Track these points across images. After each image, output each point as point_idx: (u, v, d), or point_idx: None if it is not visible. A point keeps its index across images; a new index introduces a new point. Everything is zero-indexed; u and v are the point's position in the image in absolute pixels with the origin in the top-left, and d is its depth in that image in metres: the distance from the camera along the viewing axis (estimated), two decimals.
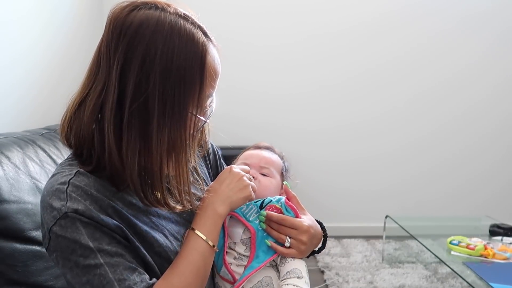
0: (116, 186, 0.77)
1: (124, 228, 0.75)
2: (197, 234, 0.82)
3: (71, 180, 0.74)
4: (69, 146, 0.80)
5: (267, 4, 2.96)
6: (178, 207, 0.81)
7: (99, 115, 0.75)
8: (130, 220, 0.77)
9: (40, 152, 1.27)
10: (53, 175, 0.78)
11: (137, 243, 0.76)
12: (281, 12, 2.96)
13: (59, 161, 0.73)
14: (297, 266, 0.91)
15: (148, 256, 0.78)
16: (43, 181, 1.16)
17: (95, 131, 0.75)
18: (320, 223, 1.00)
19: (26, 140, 1.28)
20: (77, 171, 0.76)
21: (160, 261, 0.80)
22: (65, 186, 0.73)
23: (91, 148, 0.76)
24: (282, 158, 1.10)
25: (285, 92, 3.03)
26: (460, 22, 3.00)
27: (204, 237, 0.82)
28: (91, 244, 0.71)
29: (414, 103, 3.07)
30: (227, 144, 1.34)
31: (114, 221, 0.74)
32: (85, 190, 0.73)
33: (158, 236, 0.80)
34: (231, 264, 0.92)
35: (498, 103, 3.08)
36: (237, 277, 0.90)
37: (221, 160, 1.11)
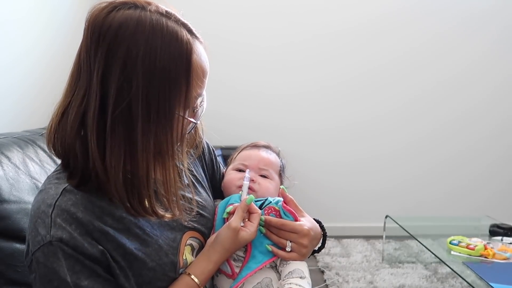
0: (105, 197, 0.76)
1: (108, 255, 0.73)
2: (193, 280, 0.82)
3: (57, 203, 0.72)
4: (58, 156, 0.77)
5: (267, 4, 2.95)
6: (167, 215, 0.78)
7: (83, 123, 0.72)
8: (118, 240, 0.75)
9: (40, 152, 1.27)
10: (40, 191, 0.76)
11: (125, 268, 0.75)
12: (280, 12, 2.96)
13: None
14: (299, 266, 0.90)
15: (132, 282, 0.76)
16: (43, 181, 1.15)
17: (78, 140, 0.72)
18: (318, 222, 1.00)
19: (26, 140, 1.28)
20: (63, 189, 0.74)
21: (154, 276, 0.79)
22: (50, 210, 0.71)
23: (76, 159, 0.73)
24: (279, 155, 1.09)
25: (287, 93, 3.03)
26: (460, 22, 3.00)
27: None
28: (68, 279, 0.70)
29: (414, 104, 3.07)
30: (229, 144, 1.33)
31: (99, 246, 0.72)
32: (71, 213, 0.71)
33: (151, 250, 0.78)
34: None
35: (498, 104, 3.08)
36: (236, 270, 0.90)
37: (217, 158, 1.09)
